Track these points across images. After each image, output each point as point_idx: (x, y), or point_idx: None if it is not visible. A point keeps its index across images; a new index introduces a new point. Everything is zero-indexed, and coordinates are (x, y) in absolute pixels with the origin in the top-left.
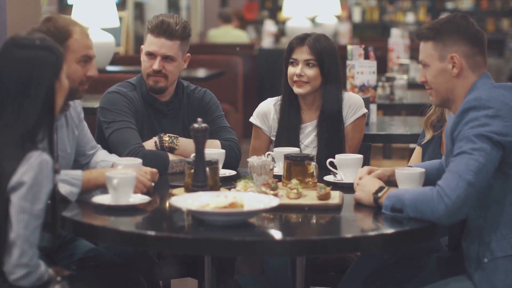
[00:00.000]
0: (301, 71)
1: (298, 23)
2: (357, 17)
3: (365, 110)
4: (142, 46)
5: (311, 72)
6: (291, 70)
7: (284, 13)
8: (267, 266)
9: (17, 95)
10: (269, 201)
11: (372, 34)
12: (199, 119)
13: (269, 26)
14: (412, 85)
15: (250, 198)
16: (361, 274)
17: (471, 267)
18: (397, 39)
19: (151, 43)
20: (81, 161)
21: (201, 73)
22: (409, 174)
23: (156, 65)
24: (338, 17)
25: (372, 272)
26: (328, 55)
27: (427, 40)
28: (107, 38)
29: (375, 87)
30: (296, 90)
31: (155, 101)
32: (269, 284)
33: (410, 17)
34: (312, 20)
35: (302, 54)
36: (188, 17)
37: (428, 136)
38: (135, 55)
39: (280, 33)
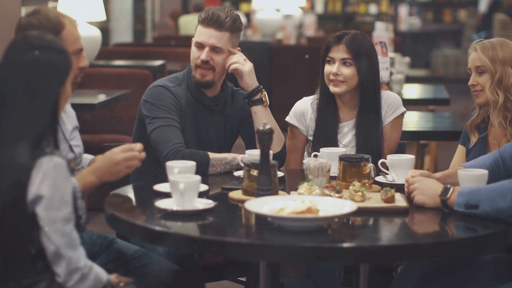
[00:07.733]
0: (338, 70)
1: (267, 15)
2: (319, 8)
3: (404, 109)
4: (193, 39)
5: (347, 71)
6: (327, 68)
7: (253, 5)
8: (314, 269)
9: (24, 99)
10: (348, 206)
11: (334, 25)
12: (264, 122)
13: None
14: None
15: (324, 202)
16: (412, 277)
17: None
18: (382, 33)
19: (200, 33)
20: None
21: (176, 66)
22: (474, 176)
23: (204, 55)
24: (302, 8)
25: (424, 275)
26: (365, 54)
27: None
28: (93, 32)
29: (388, 83)
30: (332, 89)
31: (202, 96)
32: (315, 287)
33: (372, 8)
34: (277, 11)
35: (339, 52)
36: (152, 9)
37: (474, 139)
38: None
39: (245, 25)
